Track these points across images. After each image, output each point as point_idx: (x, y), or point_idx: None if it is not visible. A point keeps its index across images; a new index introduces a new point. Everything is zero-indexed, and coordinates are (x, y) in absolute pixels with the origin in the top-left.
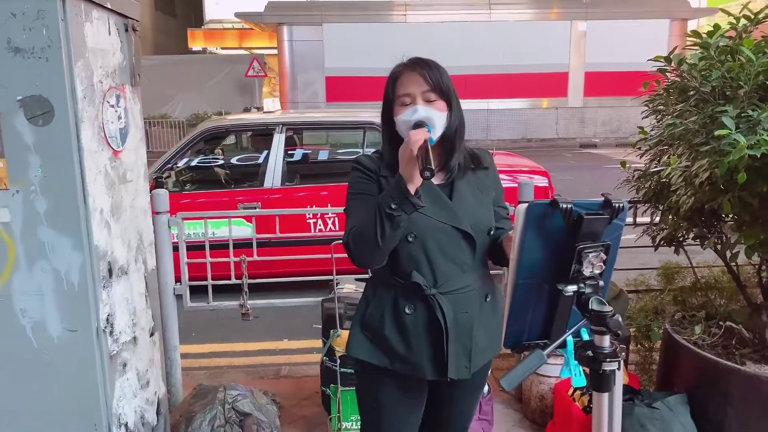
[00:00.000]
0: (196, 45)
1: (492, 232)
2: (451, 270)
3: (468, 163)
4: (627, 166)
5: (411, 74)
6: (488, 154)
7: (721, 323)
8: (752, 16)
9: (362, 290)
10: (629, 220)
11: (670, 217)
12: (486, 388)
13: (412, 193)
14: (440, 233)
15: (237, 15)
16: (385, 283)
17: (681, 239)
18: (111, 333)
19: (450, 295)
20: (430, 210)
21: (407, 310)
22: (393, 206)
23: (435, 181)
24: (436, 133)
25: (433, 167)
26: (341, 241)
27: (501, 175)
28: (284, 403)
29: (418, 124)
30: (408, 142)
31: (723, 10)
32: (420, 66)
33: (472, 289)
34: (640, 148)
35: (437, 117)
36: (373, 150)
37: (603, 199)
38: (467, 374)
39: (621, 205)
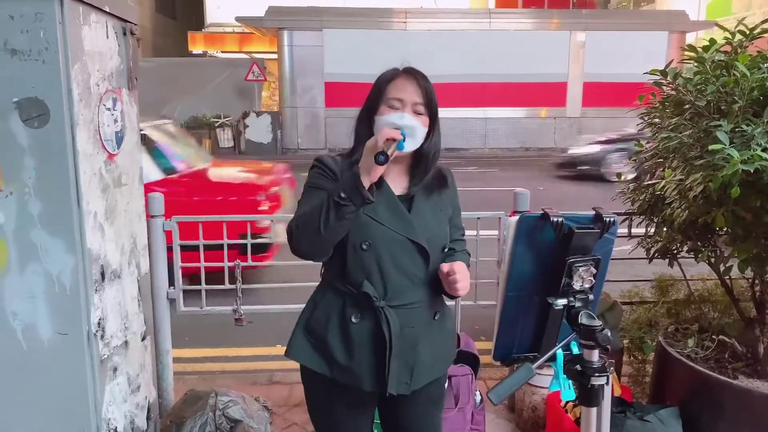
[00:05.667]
0: (196, 48)
1: (446, 250)
2: (401, 283)
3: (435, 183)
4: (623, 177)
5: (408, 80)
6: (450, 173)
7: (714, 337)
8: (747, 32)
9: None
10: (624, 231)
11: (664, 229)
12: (478, 398)
13: (366, 187)
14: (395, 244)
15: (237, 19)
16: (335, 288)
17: (675, 252)
18: (102, 337)
19: (398, 309)
20: (387, 220)
21: (354, 319)
22: (343, 195)
23: (396, 192)
24: (411, 144)
25: (389, 156)
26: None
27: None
28: (276, 410)
29: (398, 129)
30: (376, 136)
31: (718, 25)
32: (419, 77)
33: (421, 304)
34: (636, 160)
35: (419, 130)
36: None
37: (594, 213)
38: (407, 390)
39: (612, 219)
